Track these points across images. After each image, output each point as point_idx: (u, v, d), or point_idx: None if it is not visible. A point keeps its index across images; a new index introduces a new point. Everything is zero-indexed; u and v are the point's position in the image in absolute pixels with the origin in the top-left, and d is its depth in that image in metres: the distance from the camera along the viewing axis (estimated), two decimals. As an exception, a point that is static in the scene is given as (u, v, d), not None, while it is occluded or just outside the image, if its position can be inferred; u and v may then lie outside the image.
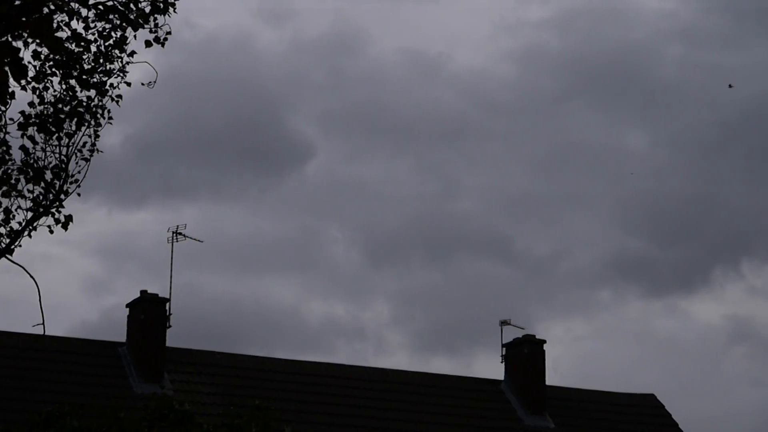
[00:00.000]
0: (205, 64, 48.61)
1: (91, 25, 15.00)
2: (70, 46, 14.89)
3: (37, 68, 14.94)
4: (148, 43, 15.33)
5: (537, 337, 28.22)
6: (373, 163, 50.36)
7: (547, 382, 28.08)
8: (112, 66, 15.25)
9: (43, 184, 15.03)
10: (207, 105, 46.96)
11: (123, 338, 25.35)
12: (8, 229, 14.88)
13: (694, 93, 50.02)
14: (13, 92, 14.05)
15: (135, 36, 15.26)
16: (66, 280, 47.09)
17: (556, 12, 53.19)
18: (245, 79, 48.35)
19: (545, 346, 28.14)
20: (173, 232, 26.18)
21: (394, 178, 49.58)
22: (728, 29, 51.89)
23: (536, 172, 50.69)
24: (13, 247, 14.85)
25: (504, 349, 28.28)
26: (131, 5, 15.14)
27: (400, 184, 49.48)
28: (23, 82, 14.44)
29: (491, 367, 50.04)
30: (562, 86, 50.93)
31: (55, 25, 13.83)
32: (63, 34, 14.79)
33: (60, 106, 15.06)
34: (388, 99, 50.08)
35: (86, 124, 15.24)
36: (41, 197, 15.04)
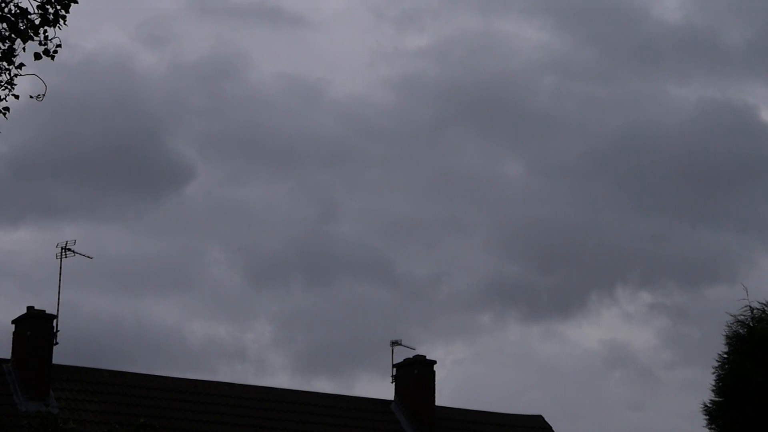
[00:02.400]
0: (84, 85, 48.49)
1: (-23, 35, 14.75)
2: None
3: None
4: (37, 56, 15.14)
5: (427, 357, 28.35)
6: (254, 185, 51.11)
7: (437, 403, 28.21)
8: (0, 78, 15.02)
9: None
10: (85, 125, 46.86)
11: (7, 355, 24.91)
12: None
13: (567, 123, 51.31)
14: None
15: (24, 48, 15.06)
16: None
17: (433, 41, 54.49)
18: (124, 101, 48.60)
19: (435, 367, 28.29)
20: (62, 248, 25.83)
21: (274, 201, 50.21)
22: (599, 62, 53.52)
23: (415, 197, 51.74)
24: None
25: (394, 369, 28.36)
26: (21, 16, 14.95)
27: (280, 207, 50.08)
28: None
29: (375, 388, 50.54)
30: (439, 114, 52.22)
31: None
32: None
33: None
34: (268, 123, 50.91)
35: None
36: None
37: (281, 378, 48.84)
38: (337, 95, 52.92)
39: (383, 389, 27.58)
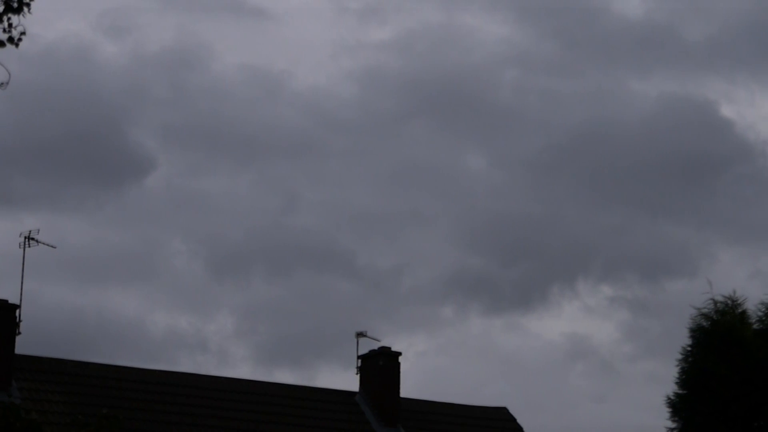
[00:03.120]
0: (45, 75, 48.27)
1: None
2: None
3: None
4: (0, 43, 15.00)
5: (392, 349, 28.34)
6: (215, 177, 51.12)
7: (402, 394, 28.22)
8: (-38, 65, 14.86)
9: None
10: (46, 115, 46.70)
11: (-31, 345, 24.69)
12: None
13: (529, 116, 51.59)
14: None
15: (-13, 35, 14.90)
16: None
17: (395, 34, 54.85)
18: (85, 91, 48.47)
19: (400, 359, 28.30)
20: (25, 237, 25.64)
21: (236, 193, 50.29)
22: (560, 56, 53.92)
23: (377, 190, 51.91)
24: None
25: (359, 360, 28.35)
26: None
27: (242, 198, 50.15)
28: None
29: (337, 379, 50.63)
30: (402, 107, 52.48)
31: None
32: None
33: None
34: (231, 114, 51.01)
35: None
36: None
37: (243, 369, 48.94)
38: (299, 87, 53.26)
39: (345, 381, 27.66)
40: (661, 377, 49.52)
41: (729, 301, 25.84)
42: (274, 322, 48.99)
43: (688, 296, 47.83)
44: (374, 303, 48.37)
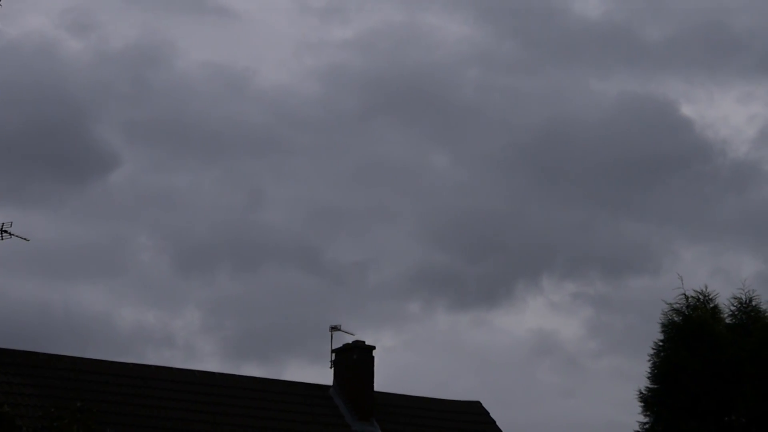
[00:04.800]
0: (8, 71, 48.14)
1: None
2: None
3: None
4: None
5: (366, 343, 28.39)
6: (180, 173, 51.27)
7: (376, 388, 28.27)
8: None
9: None
10: (9, 111, 46.53)
11: (-59, 337, 24.64)
12: None
13: (491, 115, 52.09)
14: None
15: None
16: None
17: (357, 33, 55.43)
18: (49, 87, 48.58)
19: (374, 352, 28.34)
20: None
21: (201, 189, 50.52)
22: (521, 55, 54.50)
23: (342, 186, 52.21)
24: None
25: (333, 354, 28.38)
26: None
27: (207, 194, 50.38)
28: None
29: (304, 374, 50.85)
30: (365, 104, 52.82)
31: None
32: None
33: None
34: (195, 111, 51.31)
35: None
36: None
37: (210, 364, 49.05)
38: (263, 85, 53.76)
39: (313, 375, 27.74)
40: (626, 373, 49.91)
41: (701, 296, 26.02)
42: (240, 318, 49.28)
43: (651, 293, 48.61)
44: (340, 298, 48.62)
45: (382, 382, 28.17)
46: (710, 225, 51.98)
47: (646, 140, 51.51)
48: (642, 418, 25.48)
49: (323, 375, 28.58)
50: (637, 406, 25.62)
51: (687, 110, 58.64)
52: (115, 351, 45.77)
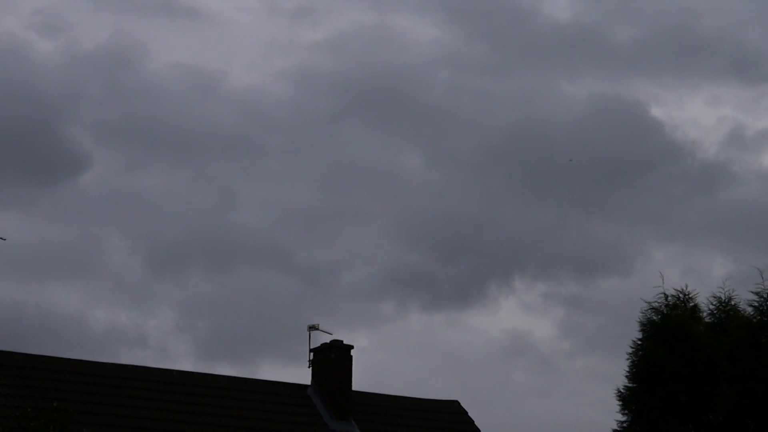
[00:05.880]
0: (-23, 71, 48.14)
1: None
2: None
3: None
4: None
5: (344, 342, 28.32)
6: (152, 174, 51.50)
7: (353, 388, 28.20)
8: None
9: None
10: (-20, 112, 46.46)
11: None
12: None
13: (462, 116, 52.39)
14: None
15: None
16: None
17: (327, 35, 55.71)
18: (19, 88, 48.77)
19: (352, 352, 28.28)
20: (-25, 229, 25.38)
21: (172, 190, 50.75)
22: (491, 57, 54.84)
23: (315, 187, 52.57)
24: None
25: (311, 353, 28.31)
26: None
27: (179, 195, 50.62)
28: None
29: (278, 374, 50.84)
30: (336, 106, 53.32)
31: None
32: None
33: None
34: (166, 112, 51.61)
35: None
36: None
37: (184, 364, 49.12)
38: (234, 86, 54.14)
39: (286, 375, 27.71)
40: (600, 373, 50.21)
41: (681, 295, 26.09)
42: (213, 318, 49.35)
43: (622, 293, 49.00)
44: (314, 299, 48.74)
45: (357, 382, 28.17)
46: (680, 226, 52.45)
47: (617, 142, 52.15)
48: (620, 417, 25.53)
49: (297, 375, 28.58)
50: (613, 406, 25.68)
51: (657, 112, 59.27)
52: (88, 351, 45.79)
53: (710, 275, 48.55)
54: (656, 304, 25.86)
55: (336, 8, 57.42)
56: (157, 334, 48.39)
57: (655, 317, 25.74)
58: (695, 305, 25.98)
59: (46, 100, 48.75)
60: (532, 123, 52.34)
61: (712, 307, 25.96)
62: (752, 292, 25.24)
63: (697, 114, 58.46)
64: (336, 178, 52.08)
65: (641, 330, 25.78)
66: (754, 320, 25.04)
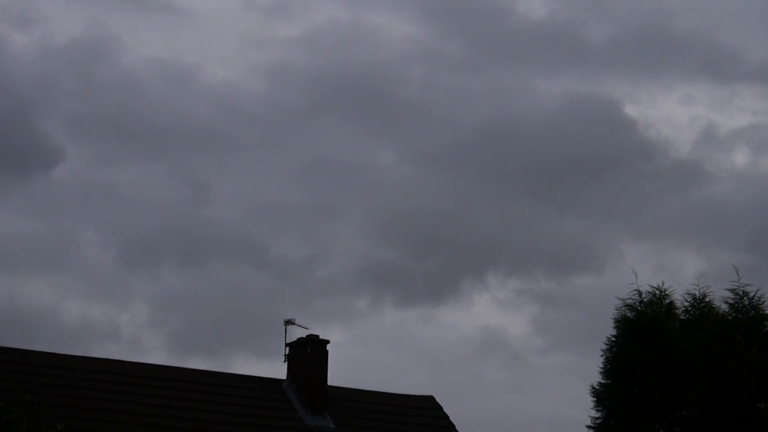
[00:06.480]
0: (-50, 64, 48.00)
1: None
2: None
3: None
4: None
5: (320, 337, 28.31)
6: (125, 168, 51.59)
7: (330, 382, 28.20)
8: None
9: None
10: (-51, 104, 46.38)
11: None
12: None
13: (437, 113, 52.60)
14: None
15: None
16: None
17: (302, 31, 55.79)
18: None
19: (328, 347, 28.27)
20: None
21: (147, 184, 50.78)
22: (466, 54, 55.04)
23: (289, 182, 52.70)
24: None
25: (287, 348, 28.28)
26: None
27: (153, 189, 50.62)
28: None
29: (251, 368, 50.80)
30: (311, 101, 53.51)
31: None
32: None
33: None
34: (140, 106, 51.63)
35: None
36: None
37: (157, 358, 49.07)
38: (209, 81, 54.17)
39: (260, 370, 27.70)
40: (573, 369, 50.37)
41: (656, 292, 26.16)
42: (187, 313, 49.35)
43: (595, 290, 49.28)
44: (288, 294, 48.77)
45: (332, 377, 28.17)
46: (653, 223, 52.75)
47: (590, 139, 52.45)
48: (594, 413, 25.59)
49: (271, 370, 28.56)
50: (586, 402, 25.74)
51: (630, 110, 59.57)
52: (60, 345, 45.53)
53: (682, 273, 48.91)
54: (631, 301, 25.95)
55: (311, 4, 57.85)
56: (130, 328, 48.42)
57: (629, 314, 25.81)
58: (670, 302, 26.07)
59: (20, 92, 48.80)
60: (506, 120, 52.76)
61: (687, 304, 26.05)
62: (728, 290, 25.38)
63: (671, 112, 58.84)
64: (310, 174, 52.29)
65: (616, 327, 25.85)
66: (729, 317, 25.15)
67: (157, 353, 47.03)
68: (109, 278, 48.99)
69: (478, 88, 54.54)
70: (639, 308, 25.81)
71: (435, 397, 29.76)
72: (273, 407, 27.17)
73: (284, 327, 28.36)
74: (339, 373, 28.13)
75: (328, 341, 28.25)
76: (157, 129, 50.76)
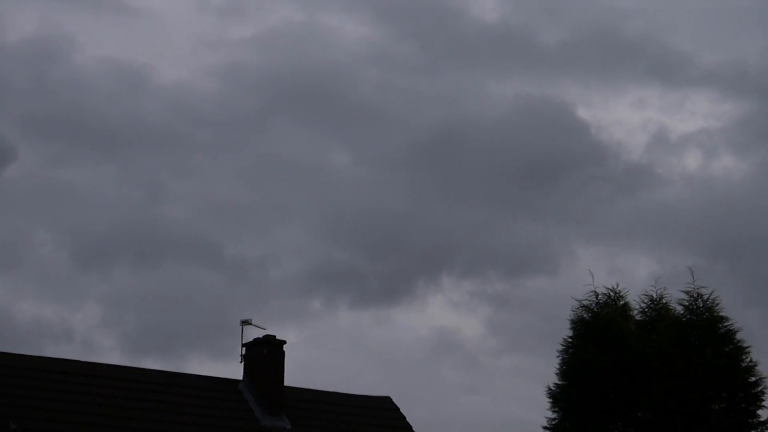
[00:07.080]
0: None
1: None
2: None
3: None
4: None
5: (277, 337, 28.25)
6: (78, 168, 51.34)
7: (286, 383, 28.14)
8: None
9: None
10: None
11: None
12: None
13: (390, 114, 52.86)
14: None
15: None
16: None
17: (256, 32, 56.14)
18: None
19: (285, 347, 28.21)
20: None
21: (99, 184, 50.67)
22: (419, 56, 55.38)
23: (243, 183, 52.76)
24: None
25: (244, 348, 28.20)
26: None
27: (106, 189, 50.53)
28: None
29: (205, 369, 50.75)
30: (265, 102, 53.63)
31: None
32: None
33: None
34: (93, 106, 51.54)
35: None
36: None
37: (110, 359, 48.73)
38: (162, 81, 54.03)
39: (214, 370, 27.64)
40: (526, 371, 50.61)
41: (612, 293, 26.30)
42: (140, 313, 49.16)
43: (548, 293, 49.55)
44: (242, 294, 48.71)
45: (287, 378, 28.11)
46: (605, 226, 53.12)
47: (543, 142, 52.75)
48: (550, 414, 25.71)
49: (226, 370, 28.47)
50: (542, 403, 25.86)
51: (583, 113, 59.98)
52: (12, 345, 45.17)
53: (634, 275, 49.15)
54: (587, 302, 26.08)
55: (265, 5, 57.99)
56: (82, 328, 48.20)
57: (585, 315, 25.94)
58: (625, 304, 26.22)
59: (-30, 91, 48.42)
60: (459, 122, 53.07)
61: (643, 305, 26.21)
62: (683, 291, 25.57)
63: (623, 116, 59.17)
64: (264, 174, 52.38)
65: (572, 328, 25.97)
66: (684, 319, 25.34)
67: (110, 353, 46.82)
68: (62, 278, 48.92)
69: (432, 90, 54.94)
70: (595, 310, 25.94)
71: (391, 398, 29.78)
72: (229, 407, 27.07)
73: (241, 327, 28.27)
74: (294, 374, 28.10)
75: (284, 342, 28.19)
76: (110, 129, 50.68)
